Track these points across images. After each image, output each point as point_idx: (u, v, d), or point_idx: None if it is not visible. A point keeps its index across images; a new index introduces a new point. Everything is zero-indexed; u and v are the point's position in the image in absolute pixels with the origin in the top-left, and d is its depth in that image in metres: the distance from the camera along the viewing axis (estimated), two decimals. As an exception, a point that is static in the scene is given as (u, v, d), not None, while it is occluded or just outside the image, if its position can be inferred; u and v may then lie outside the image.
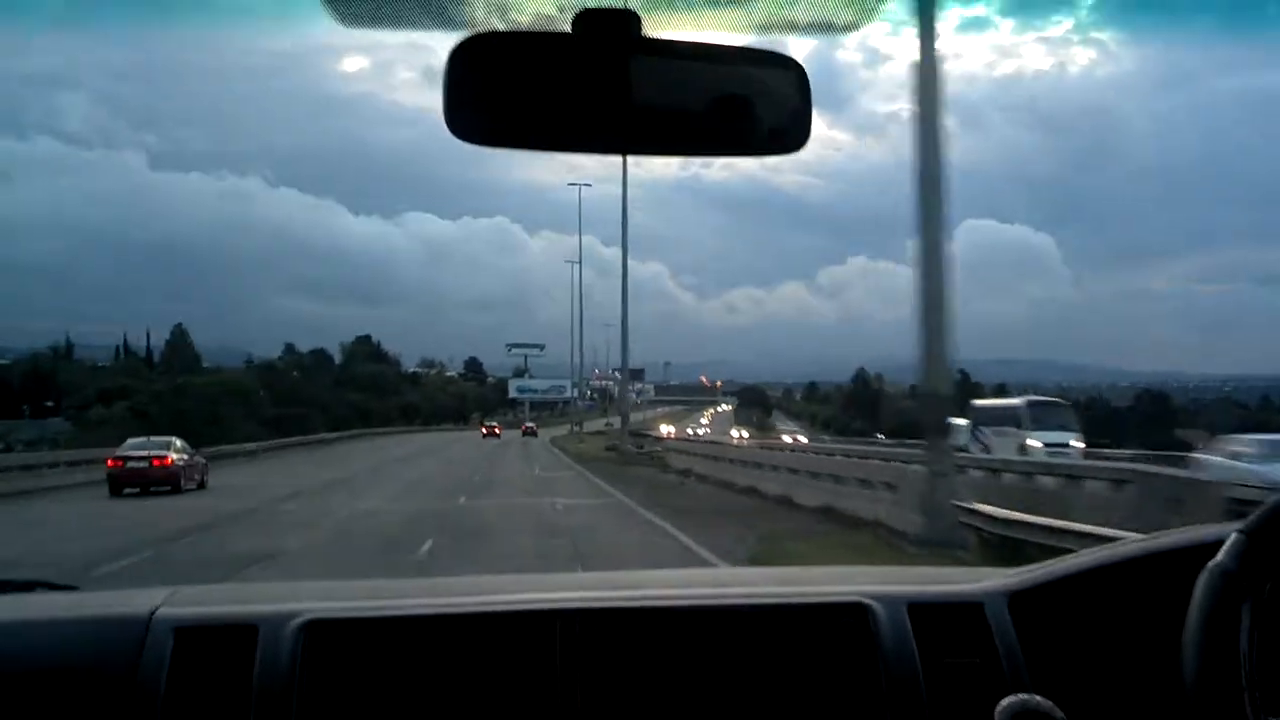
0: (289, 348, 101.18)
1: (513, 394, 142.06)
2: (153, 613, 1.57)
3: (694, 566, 10.28)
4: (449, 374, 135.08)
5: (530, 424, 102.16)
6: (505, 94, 1.21)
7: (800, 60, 1.23)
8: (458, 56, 1.19)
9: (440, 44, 1.21)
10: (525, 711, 1.48)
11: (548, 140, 1.26)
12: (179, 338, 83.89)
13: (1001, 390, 72.80)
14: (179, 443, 27.33)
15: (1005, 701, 1.37)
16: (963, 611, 1.65)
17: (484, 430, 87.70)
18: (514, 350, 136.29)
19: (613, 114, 1.21)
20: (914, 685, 1.53)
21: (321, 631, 1.53)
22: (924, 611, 1.63)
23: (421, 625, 1.55)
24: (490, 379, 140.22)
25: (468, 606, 1.60)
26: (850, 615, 1.59)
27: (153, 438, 27.39)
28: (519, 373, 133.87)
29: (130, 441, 26.82)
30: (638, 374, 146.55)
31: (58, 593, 1.88)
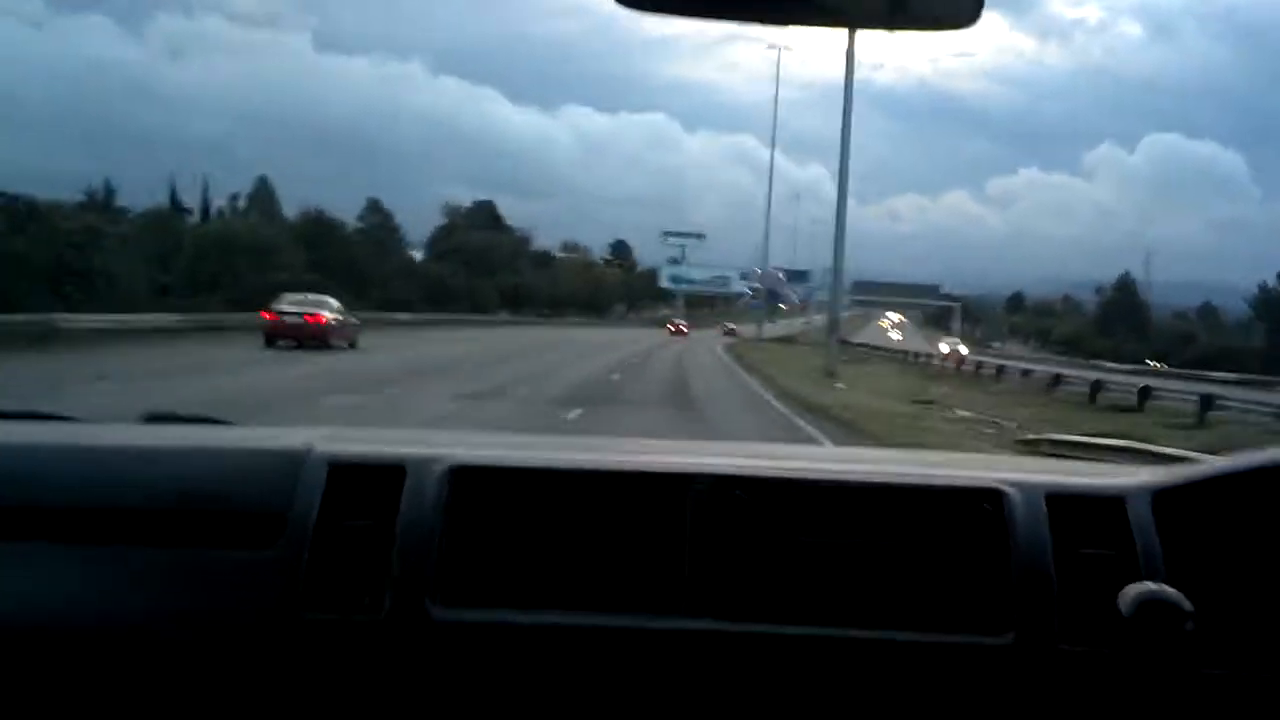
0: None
1: (664, 283, 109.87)
2: (309, 449, 1.71)
3: None
4: (591, 259, 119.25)
5: (680, 322, 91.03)
6: None
7: None
8: None
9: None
10: (653, 566, 1.59)
11: (717, 8, 1.26)
12: (263, 194, 73.83)
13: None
14: (334, 302, 29.30)
15: (1130, 587, 1.44)
16: (1103, 505, 1.65)
17: (671, 328, 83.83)
18: (670, 240, 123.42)
19: None
20: (1045, 573, 1.57)
21: (466, 476, 1.64)
22: (1062, 502, 1.64)
23: (560, 477, 1.67)
24: (639, 267, 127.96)
25: (607, 463, 1.71)
26: (986, 500, 1.62)
27: (310, 295, 29.39)
28: (674, 262, 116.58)
29: (287, 297, 28.76)
30: (802, 275, 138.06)
31: (218, 426, 2.04)
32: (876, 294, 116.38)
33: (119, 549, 1.62)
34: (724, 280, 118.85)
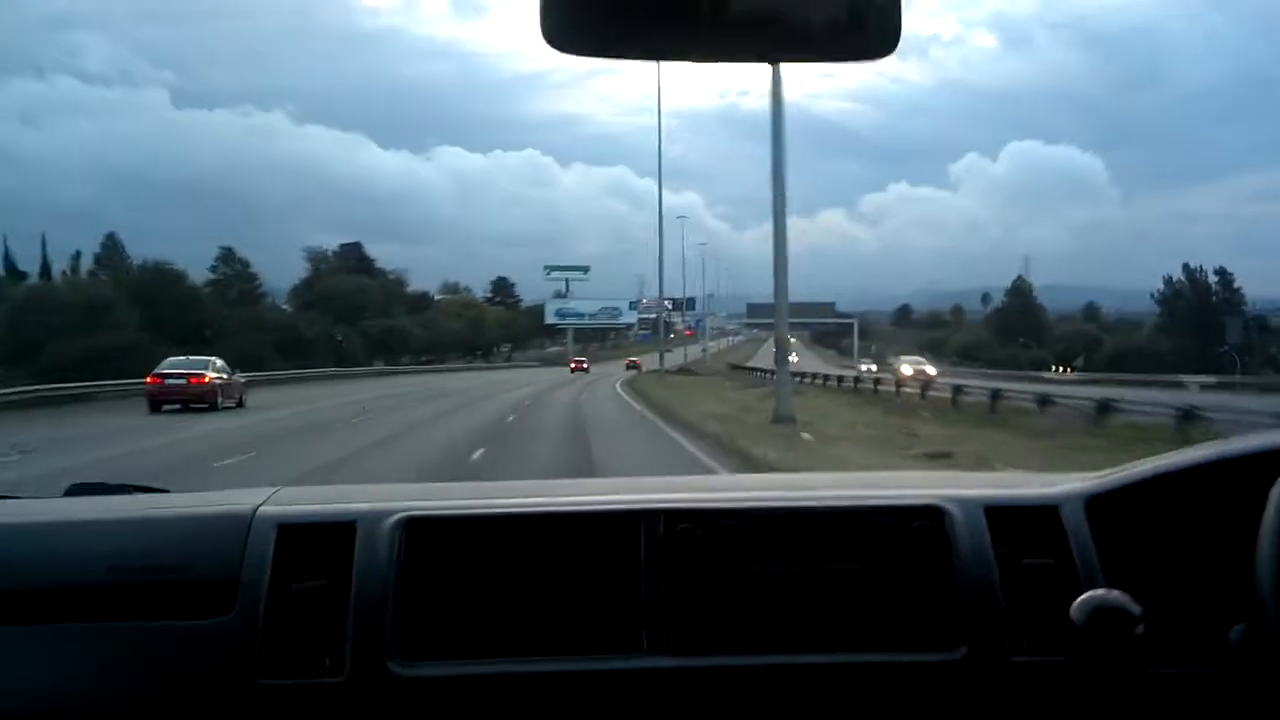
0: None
1: (550, 319, 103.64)
2: (255, 510, 1.71)
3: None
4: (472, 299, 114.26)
5: (579, 359, 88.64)
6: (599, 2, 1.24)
7: None
8: None
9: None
10: (609, 606, 1.63)
11: (640, 48, 1.30)
12: (111, 252, 69.60)
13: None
14: (218, 362, 29.30)
15: (1082, 597, 1.47)
16: (1039, 514, 1.72)
17: (572, 365, 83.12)
18: (554, 274, 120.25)
19: (700, 20, 1.24)
20: (990, 586, 1.64)
21: (418, 528, 1.66)
22: (1000, 514, 1.71)
23: (512, 523, 1.70)
24: (522, 303, 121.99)
25: (556, 506, 1.74)
26: (927, 518, 1.69)
27: (191, 356, 29.56)
28: (559, 296, 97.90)
29: (169, 360, 28.98)
30: (689, 303, 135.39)
31: (153, 494, 2.01)
32: (771, 315, 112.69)
33: (63, 628, 1.59)
34: (613, 311, 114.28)
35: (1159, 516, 1.70)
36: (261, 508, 1.72)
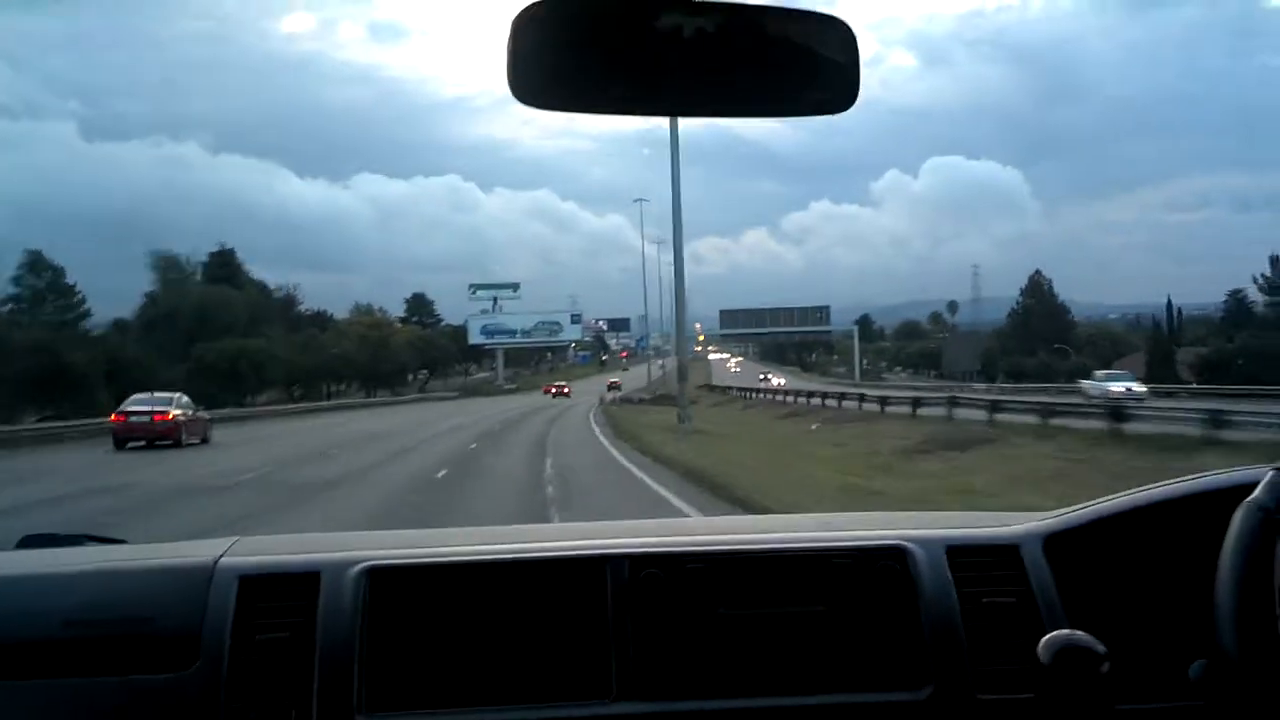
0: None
1: (476, 338, 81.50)
2: (216, 562, 1.73)
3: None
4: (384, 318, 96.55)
5: (558, 384, 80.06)
6: (565, 57, 1.27)
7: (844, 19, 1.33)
8: (521, 21, 1.25)
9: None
10: (577, 650, 1.67)
11: (603, 103, 1.33)
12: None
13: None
14: (184, 399, 29.87)
15: (1048, 637, 1.54)
16: (999, 553, 1.80)
17: (552, 391, 76.02)
18: (480, 292, 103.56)
19: (665, 76, 1.28)
20: (954, 625, 1.71)
21: (382, 578, 1.69)
22: (961, 553, 1.80)
23: (477, 570, 1.72)
24: (443, 324, 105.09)
25: (520, 552, 1.77)
26: (890, 558, 1.76)
27: (156, 394, 29.75)
28: (486, 312, 77.97)
29: (134, 397, 29.49)
30: (622, 324, 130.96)
31: (109, 545, 2.02)
32: (738, 325, 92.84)
33: (16, 685, 1.58)
34: (552, 327, 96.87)
35: (1116, 554, 1.78)
36: (222, 559, 1.74)
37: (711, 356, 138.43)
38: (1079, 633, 1.52)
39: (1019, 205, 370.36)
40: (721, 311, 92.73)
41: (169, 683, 1.58)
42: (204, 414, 31.42)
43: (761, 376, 72.12)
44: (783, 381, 62.01)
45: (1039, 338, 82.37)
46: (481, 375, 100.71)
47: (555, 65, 1.26)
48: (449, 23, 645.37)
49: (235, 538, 1.86)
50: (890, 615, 1.71)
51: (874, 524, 1.99)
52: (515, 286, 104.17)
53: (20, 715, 1.56)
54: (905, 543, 1.77)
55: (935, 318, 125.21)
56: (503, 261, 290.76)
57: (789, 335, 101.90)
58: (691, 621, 1.69)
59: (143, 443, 27.04)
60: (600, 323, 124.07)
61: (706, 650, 1.68)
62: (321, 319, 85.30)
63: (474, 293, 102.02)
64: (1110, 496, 1.86)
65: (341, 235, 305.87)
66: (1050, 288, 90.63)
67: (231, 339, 60.69)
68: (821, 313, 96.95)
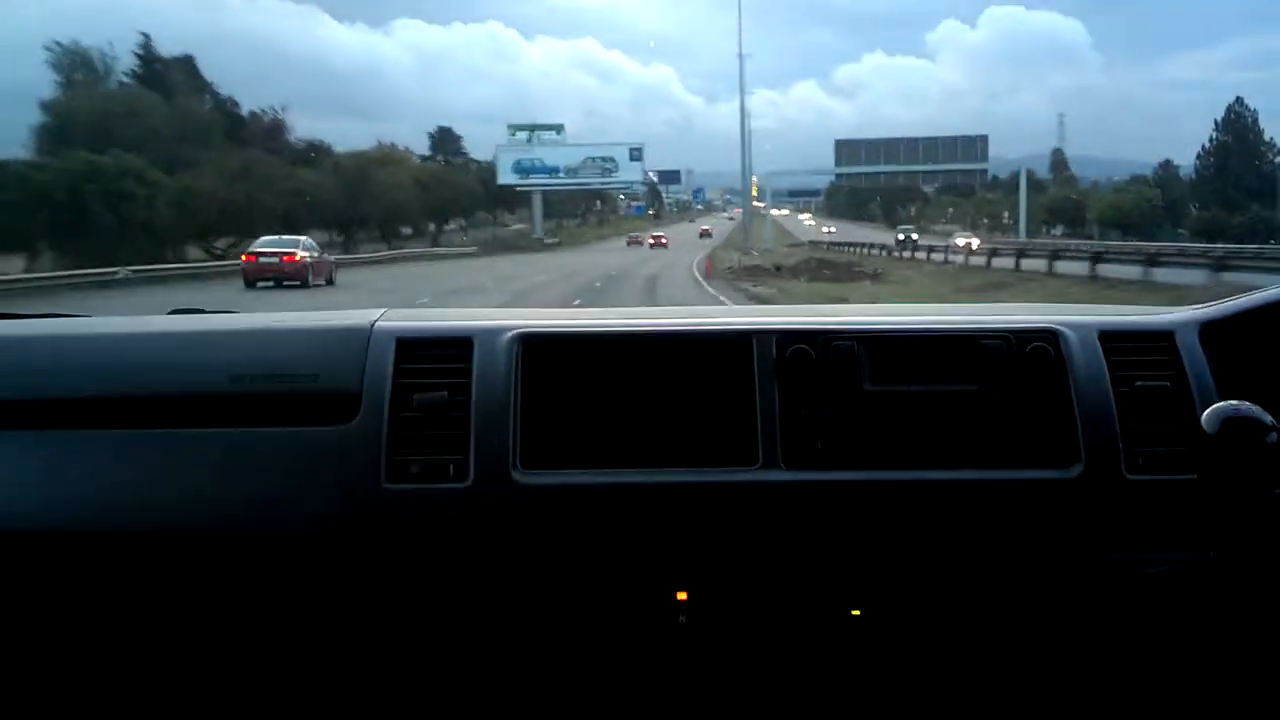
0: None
1: (505, 178, 57.50)
2: (372, 325, 1.82)
3: None
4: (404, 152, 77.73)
5: (653, 235, 72.50)
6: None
7: None
8: None
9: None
10: (724, 422, 1.76)
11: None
12: None
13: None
14: (309, 240, 33.32)
15: (1214, 406, 1.59)
16: (1154, 339, 1.84)
17: (649, 241, 69.84)
18: (519, 134, 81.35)
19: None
20: (1106, 407, 1.75)
21: (534, 345, 1.78)
22: (1115, 338, 1.83)
23: (626, 342, 1.80)
24: (471, 162, 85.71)
25: (669, 326, 1.84)
26: (1042, 340, 1.80)
27: (284, 236, 33.12)
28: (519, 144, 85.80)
29: (262, 239, 32.40)
30: (672, 176, 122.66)
31: (255, 314, 2.12)
32: (856, 161, 72.53)
33: (186, 433, 1.71)
34: (606, 165, 74.98)
35: (1272, 345, 1.82)
36: (379, 323, 1.83)
37: (774, 213, 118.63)
38: (1245, 403, 1.54)
39: (1080, 57, 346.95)
40: (838, 142, 72.54)
41: (330, 435, 1.67)
42: (329, 257, 33.57)
43: (900, 236, 53.77)
44: (974, 242, 44.31)
45: (1239, 187, 62.48)
46: (518, 227, 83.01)
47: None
48: None
49: (384, 309, 1.90)
50: (1041, 397, 1.74)
51: (1027, 310, 1.98)
52: (559, 128, 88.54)
53: (194, 461, 1.67)
54: (1058, 325, 1.80)
55: (1063, 169, 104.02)
56: (545, 114, 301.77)
57: (929, 175, 79.32)
58: (838, 397, 1.73)
59: (271, 283, 29.07)
60: (651, 174, 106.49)
61: (853, 425, 1.73)
62: (316, 151, 67.68)
63: (513, 134, 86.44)
64: (1264, 289, 1.87)
65: (381, 82, 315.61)
66: (1255, 121, 71.32)
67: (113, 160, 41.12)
68: (977, 145, 72.17)
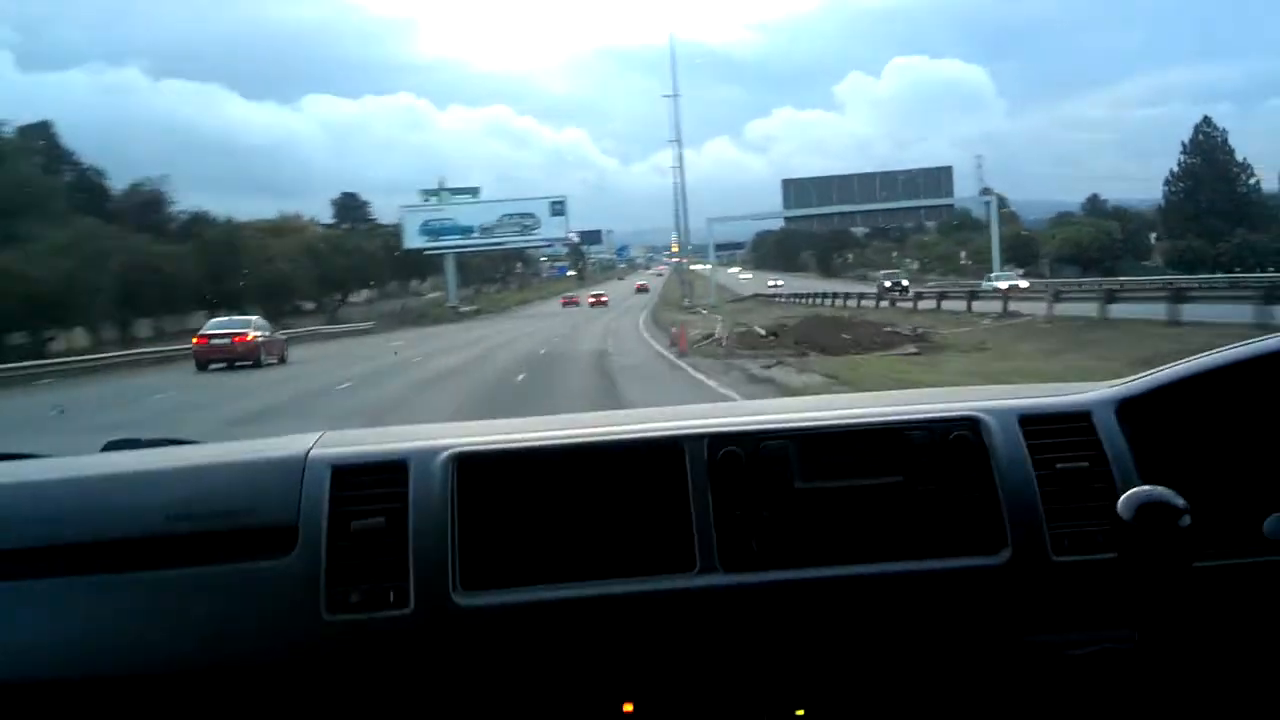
0: None
1: (413, 242, 48.17)
2: (307, 453, 1.86)
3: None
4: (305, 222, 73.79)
5: (597, 293, 73.00)
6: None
7: None
8: None
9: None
10: (660, 528, 1.80)
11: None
12: None
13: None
14: (260, 320, 33.71)
15: (1129, 493, 1.63)
16: (1072, 419, 1.90)
17: (588, 301, 70.70)
18: (432, 199, 75.30)
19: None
20: (1029, 491, 1.82)
21: (468, 464, 1.83)
22: (1035, 421, 1.90)
23: (560, 455, 1.86)
24: (378, 227, 79.82)
25: (600, 436, 1.91)
26: (964, 429, 1.87)
27: (234, 316, 34.61)
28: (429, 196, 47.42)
29: (212, 321, 33.63)
30: (593, 236, 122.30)
31: (190, 445, 2.19)
32: (803, 203, 65.50)
33: (123, 577, 1.71)
34: (525, 221, 67.32)
35: (1188, 418, 1.90)
36: (313, 450, 1.88)
37: (695, 267, 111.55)
38: (1159, 488, 1.59)
39: (985, 103, 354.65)
40: (785, 181, 66.19)
41: (269, 569, 1.69)
42: (280, 335, 34.24)
43: (887, 284, 47.53)
44: (1021, 283, 38.24)
45: (1212, 212, 57.93)
46: (432, 295, 75.59)
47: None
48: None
49: (321, 432, 1.97)
50: (966, 484, 1.80)
51: (946, 397, 2.07)
52: (475, 191, 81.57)
53: (130, 605, 1.68)
54: (978, 413, 1.86)
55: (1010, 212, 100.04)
56: (461, 179, 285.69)
57: (889, 213, 70.43)
58: (771, 497, 1.79)
59: (223, 364, 29.73)
60: (573, 234, 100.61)
61: (785, 524, 1.78)
62: (199, 224, 59.66)
63: (427, 200, 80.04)
64: (1180, 361, 1.93)
65: (291, 159, 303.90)
66: (1224, 141, 69.23)
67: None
68: (941, 177, 66.33)
